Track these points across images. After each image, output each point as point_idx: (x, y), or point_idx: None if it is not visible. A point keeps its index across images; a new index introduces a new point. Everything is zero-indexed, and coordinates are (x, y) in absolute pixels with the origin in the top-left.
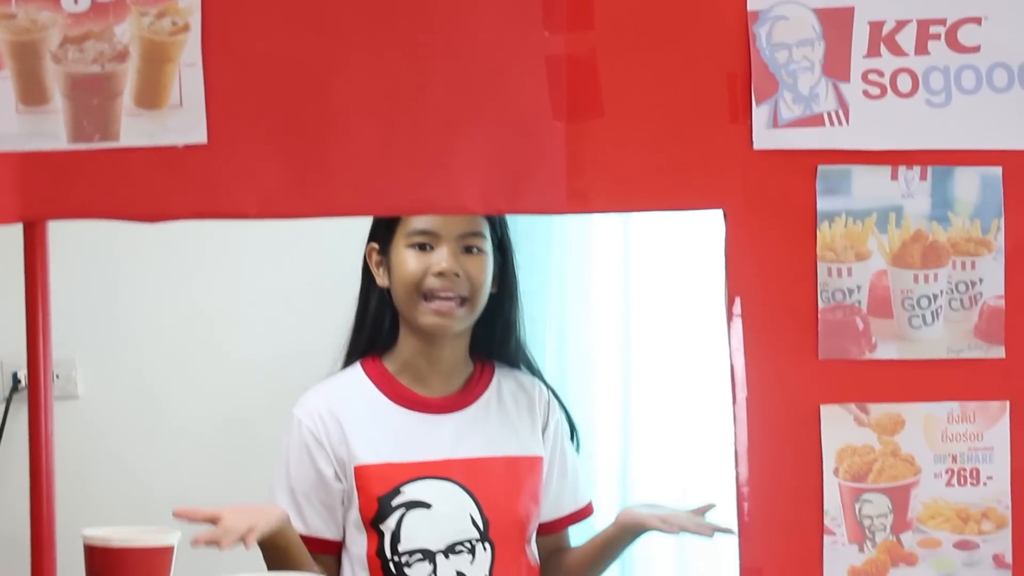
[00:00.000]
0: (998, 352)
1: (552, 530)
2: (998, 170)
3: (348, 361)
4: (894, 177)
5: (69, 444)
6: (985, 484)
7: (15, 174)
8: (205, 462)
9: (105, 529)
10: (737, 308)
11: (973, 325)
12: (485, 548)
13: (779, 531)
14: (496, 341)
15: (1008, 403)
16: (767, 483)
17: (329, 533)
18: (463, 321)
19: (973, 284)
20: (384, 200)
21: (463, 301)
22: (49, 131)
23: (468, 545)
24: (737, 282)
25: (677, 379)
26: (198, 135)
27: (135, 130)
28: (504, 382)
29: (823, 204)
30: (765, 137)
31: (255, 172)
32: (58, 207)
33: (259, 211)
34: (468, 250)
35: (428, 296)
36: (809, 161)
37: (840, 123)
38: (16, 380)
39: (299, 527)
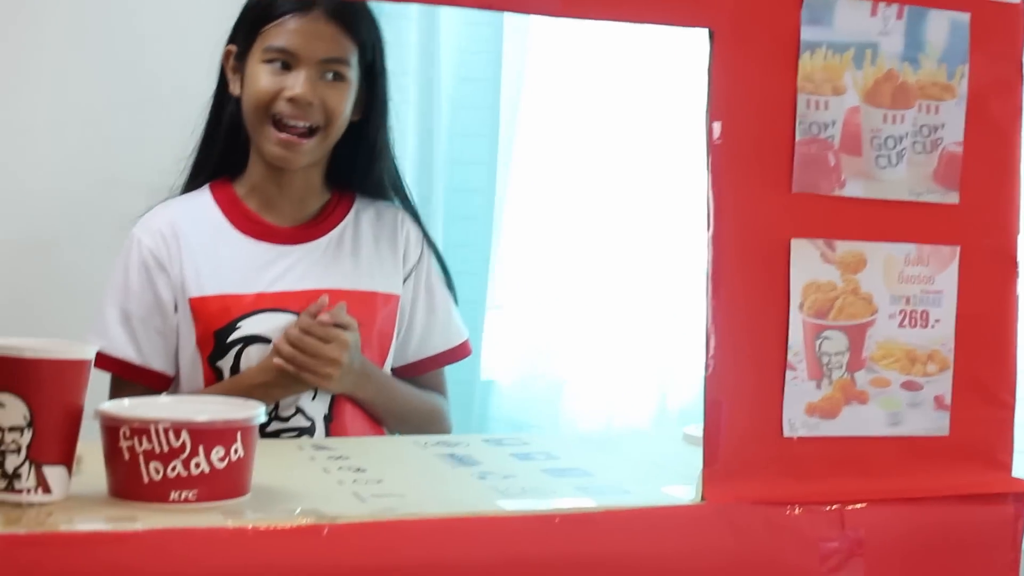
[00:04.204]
0: (953, 198)
1: (418, 371)
2: (966, 16)
3: (193, 178)
4: (873, 13)
5: None
6: (933, 327)
7: None
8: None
9: (10, 339)
10: (717, 134)
11: (932, 169)
12: None
13: (744, 365)
14: (357, 170)
15: (959, 248)
16: (735, 317)
17: (162, 365)
18: (311, 154)
19: (935, 128)
20: None
21: (313, 132)
22: None
23: None
24: (719, 107)
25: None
26: None
27: None
28: (363, 213)
29: (806, 34)
30: None
31: None
32: None
33: None
34: (329, 76)
35: (276, 121)
36: None
37: None
38: None
39: (132, 356)
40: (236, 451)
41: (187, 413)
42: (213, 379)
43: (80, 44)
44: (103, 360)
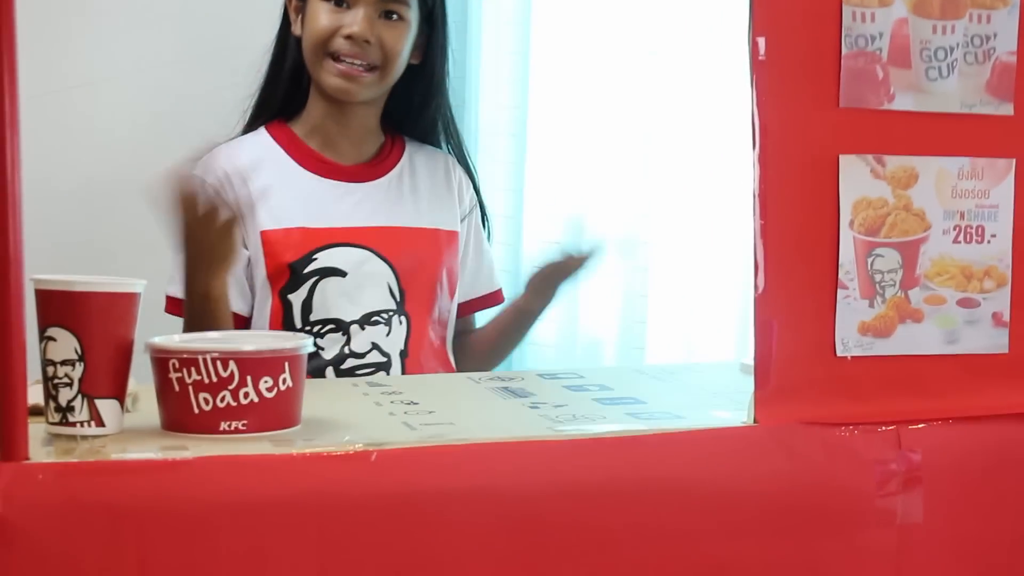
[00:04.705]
0: (1007, 109)
1: (463, 312)
2: None
3: (253, 119)
4: None
5: None
6: (989, 242)
7: None
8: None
9: (60, 275)
10: (762, 50)
11: (985, 80)
12: (401, 321)
13: (794, 285)
14: (412, 111)
15: (1014, 161)
16: (784, 236)
17: (239, 306)
18: (370, 88)
19: (987, 38)
20: None
21: (372, 68)
22: None
23: (384, 316)
24: (763, 22)
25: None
26: None
27: None
28: (416, 156)
29: None
30: None
31: None
32: None
33: None
34: (387, 15)
35: (335, 58)
36: None
37: None
38: None
39: None
40: (284, 381)
41: (235, 344)
42: (282, 312)
43: None
44: (180, 305)
